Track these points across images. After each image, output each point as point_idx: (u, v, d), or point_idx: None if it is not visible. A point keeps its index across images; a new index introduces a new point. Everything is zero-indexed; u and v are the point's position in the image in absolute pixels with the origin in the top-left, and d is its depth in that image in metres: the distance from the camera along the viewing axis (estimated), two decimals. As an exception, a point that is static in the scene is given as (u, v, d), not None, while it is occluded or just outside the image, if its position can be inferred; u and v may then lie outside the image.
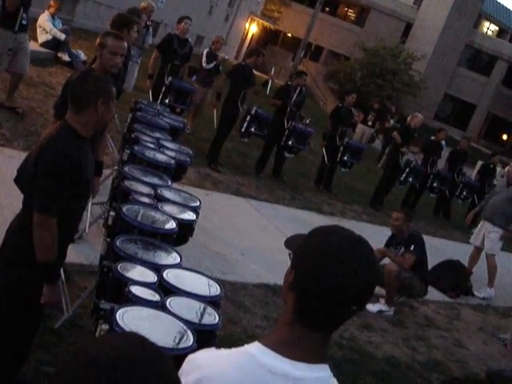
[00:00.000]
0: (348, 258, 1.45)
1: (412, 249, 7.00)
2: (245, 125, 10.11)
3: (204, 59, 10.74)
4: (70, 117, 3.13)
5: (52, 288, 3.14)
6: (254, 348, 1.48)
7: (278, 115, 10.71)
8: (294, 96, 10.66)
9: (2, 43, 8.08)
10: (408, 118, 13.04)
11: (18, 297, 3.16)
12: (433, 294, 8.28)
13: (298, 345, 1.47)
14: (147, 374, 1.05)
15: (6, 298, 3.18)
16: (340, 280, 1.44)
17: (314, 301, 1.47)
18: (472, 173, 16.44)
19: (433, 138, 13.70)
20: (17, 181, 3.21)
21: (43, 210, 3.01)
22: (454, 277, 8.66)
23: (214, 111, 10.57)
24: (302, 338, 1.48)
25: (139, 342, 1.12)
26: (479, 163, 18.59)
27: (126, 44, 4.58)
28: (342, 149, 11.41)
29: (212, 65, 10.77)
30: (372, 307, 6.87)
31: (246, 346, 1.50)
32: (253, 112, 10.11)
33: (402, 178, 12.15)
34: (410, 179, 12.22)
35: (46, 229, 3.02)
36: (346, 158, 11.51)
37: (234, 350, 1.50)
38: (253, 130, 10.21)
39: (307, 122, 11.00)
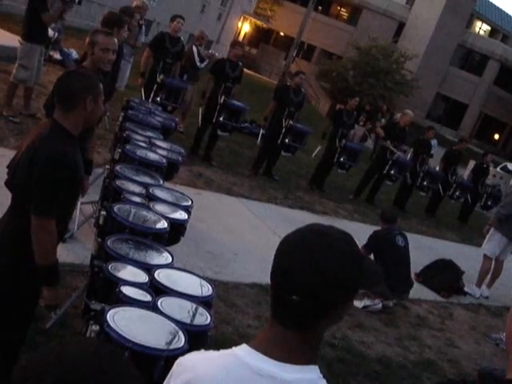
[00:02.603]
0: (301, 250, 1.43)
1: (364, 245, 7.11)
2: (215, 114, 9.92)
3: (197, 58, 10.73)
4: (59, 116, 3.07)
5: (52, 291, 3.09)
6: (241, 350, 1.48)
7: (276, 115, 10.71)
8: (293, 96, 10.68)
9: (33, 58, 8.10)
10: (398, 116, 13.10)
11: (9, 299, 3.12)
12: (425, 293, 8.29)
13: (280, 345, 1.46)
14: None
15: None
16: (277, 265, 1.45)
17: (274, 294, 1.48)
18: (464, 172, 16.46)
19: (422, 136, 13.73)
20: (7, 184, 3.15)
21: (43, 213, 2.95)
22: (446, 276, 8.66)
23: (200, 110, 10.51)
24: (280, 337, 1.46)
25: (99, 352, 1.07)
26: (471, 163, 18.65)
27: (116, 40, 4.56)
28: (339, 150, 11.42)
29: (205, 63, 10.79)
30: (359, 303, 6.92)
31: (233, 348, 1.49)
32: (221, 100, 9.86)
33: (385, 171, 12.12)
34: (392, 171, 12.17)
35: (46, 232, 2.96)
36: (342, 159, 11.51)
37: (222, 352, 1.50)
38: (221, 119, 9.85)
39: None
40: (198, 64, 10.76)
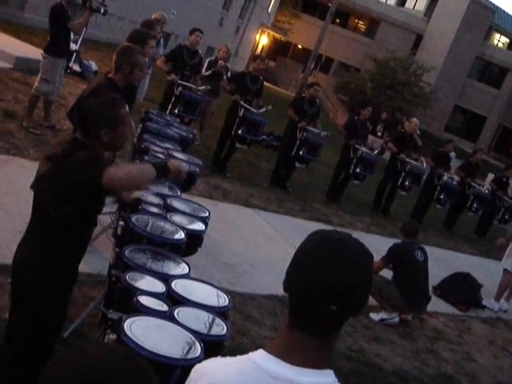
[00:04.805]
0: (321, 256, 1.46)
1: (383, 256, 7.09)
2: (234, 127, 9.94)
3: (205, 66, 10.75)
4: (81, 137, 3.08)
5: (171, 168, 3.18)
6: (258, 355, 1.50)
7: (290, 126, 10.75)
8: (308, 108, 10.70)
9: (56, 72, 8.20)
10: (405, 125, 13.14)
11: (40, 320, 3.12)
12: (442, 306, 8.24)
13: (298, 350, 1.48)
14: None
15: (28, 322, 3.14)
16: (310, 278, 1.46)
17: (295, 301, 1.50)
18: (483, 183, 16.23)
19: (441, 149, 13.65)
20: (37, 201, 3.17)
21: (100, 175, 2.88)
22: (463, 289, 8.61)
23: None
24: (299, 342, 1.48)
25: (122, 355, 1.10)
26: (490, 175, 18.49)
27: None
28: (355, 161, 11.41)
29: (209, 72, 10.75)
30: (375, 316, 6.89)
31: (250, 353, 1.52)
32: (241, 113, 9.81)
33: (399, 183, 12.14)
34: (407, 182, 12.16)
35: (116, 175, 2.91)
36: (358, 170, 11.50)
37: (238, 358, 1.52)
38: (240, 132, 9.92)
39: (326, 135, 11.01)
40: (203, 71, 10.74)
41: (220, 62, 10.83)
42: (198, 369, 1.55)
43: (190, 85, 9.38)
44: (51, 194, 3.02)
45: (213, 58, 11.08)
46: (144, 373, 1.09)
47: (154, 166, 3.12)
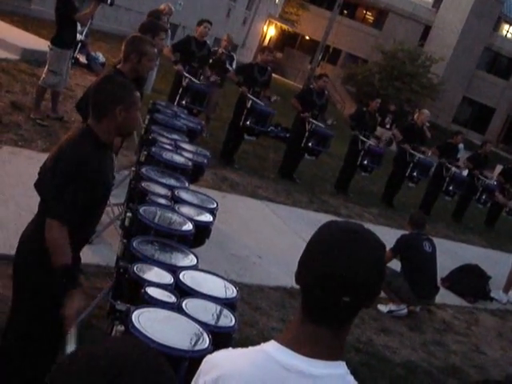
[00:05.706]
0: (333, 248, 1.46)
1: (391, 248, 7.00)
2: (242, 118, 9.90)
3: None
4: (92, 122, 3.10)
5: (72, 295, 2.95)
6: (270, 346, 1.50)
7: (299, 117, 10.72)
8: (316, 99, 10.67)
9: (63, 63, 8.22)
10: (415, 116, 13.06)
11: (38, 304, 3.11)
12: (451, 298, 8.22)
13: (311, 341, 1.48)
14: (148, 378, 1.04)
15: (26, 307, 3.14)
16: (323, 269, 1.45)
17: (308, 293, 1.50)
18: (491, 175, 16.16)
19: (449, 140, 13.56)
20: (36, 185, 3.16)
21: (55, 217, 2.93)
22: (472, 281, 8.58)
23: None
24: (312, 334, 1.48)
25: (136, 346, 1.10)
26: (498, 167, 18.39)
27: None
28: (362, 153, 11.38)
29: (210, 61, 10.74)
30: (384, 308, 6.89)
31: (262, 344, 1.52)
32: (248, 105, 9.77)
33: (407, 174, 12.11)
34: (415, 173, 12.12)
35: (55, 233, 2.93)
36: (366, 162, 11.47)
37: (250, 349, 1.53)
38: (248, 123, 9.87)
39: (332, 122, 10.97)
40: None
41: (219, 49, 10.80)
42: (208, 360, 1.55)
43: (195, 80, 9.36)
44: (47, 183, 3.02)
45: (216, 48, 11.05)
46: (159, 362, 1.09)
47: (67, 271, 2.96)
